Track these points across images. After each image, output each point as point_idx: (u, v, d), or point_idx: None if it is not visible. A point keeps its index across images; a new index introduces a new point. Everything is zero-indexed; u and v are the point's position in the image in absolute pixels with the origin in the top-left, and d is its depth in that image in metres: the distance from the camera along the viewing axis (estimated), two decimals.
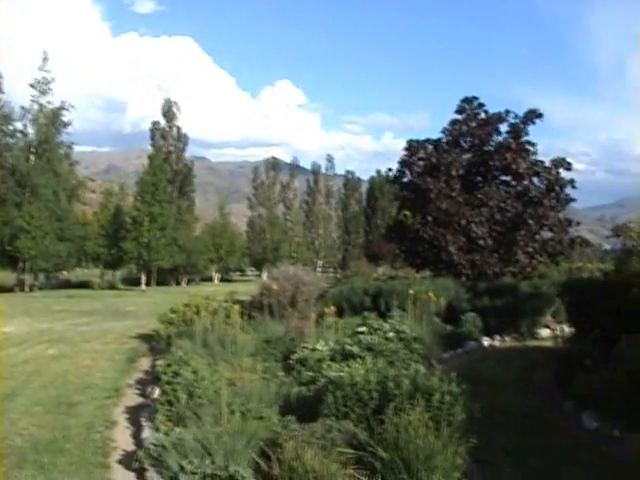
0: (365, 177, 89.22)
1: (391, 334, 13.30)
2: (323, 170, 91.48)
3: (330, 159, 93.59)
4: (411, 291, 16.24)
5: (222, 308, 14.89)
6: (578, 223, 25.54)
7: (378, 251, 56.69)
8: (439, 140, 26.76)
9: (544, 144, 28.99)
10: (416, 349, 13.00)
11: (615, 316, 10.80)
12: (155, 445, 7.39)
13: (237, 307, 14.19)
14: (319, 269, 79.20)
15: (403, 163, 26.15)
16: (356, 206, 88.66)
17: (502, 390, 11.68)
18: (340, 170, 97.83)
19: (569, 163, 25.43)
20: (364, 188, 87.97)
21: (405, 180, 26.39)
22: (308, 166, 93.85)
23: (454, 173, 24.38)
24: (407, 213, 25.90)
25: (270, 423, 7.87)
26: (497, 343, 17.36)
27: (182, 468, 6.61)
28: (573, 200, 25.16)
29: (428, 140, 26.71)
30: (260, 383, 10.19)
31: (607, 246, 17.10)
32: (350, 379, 7.83)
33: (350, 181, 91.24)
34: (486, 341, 17.11)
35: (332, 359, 11.24)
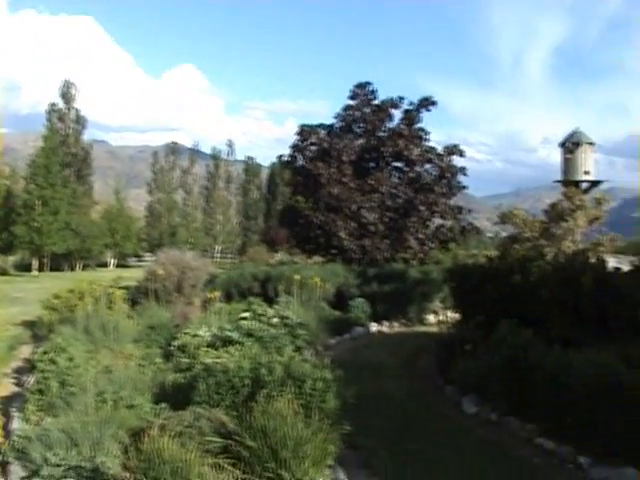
0: (267, 163, 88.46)
1: (275, 320, 13.28)
2: (224, 155, 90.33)
3: (231, 144, 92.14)
4: (297, 276, 16.23)
5: (106, 294, 14.49)
6: (469, 210, 26.21)
7: (275, 237, 56.57)
8: (332, 125, 26.83)
9: (444, 134, 29.69)
10: (300, 335, 13.01)
11: (497, 301, 11.07)
12: (21, 437, 7.09)
13: (120, 292, 13.87)
14: (217, 255, 78.66)
15: (295, 148, 26.14)
16: (256, 192, 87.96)
17: (386, 375, 11.82)
18: (242, 156, 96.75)
19: (462, 150, 26.05)
20: (265, 174, 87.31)
21: (297, 165, 26.37)
22: (209, 151, 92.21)
23: (346, 159, 24.53)
24: (299, 198, 25.90)
25: (142, 412, 7.66)
26: (385, 329, 17.59)
27: (46, 460, 6.34)
28: (465, 187, 25.79)
29: (321, 125, 26.76)
30: (136, 370, 9.97)
31: (504, 233, 17.67)
32: (223, 366, 7.70)
33: (250, 167, 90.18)
34: (374, 327, 17.32)
35: (212, 345, 11.10)
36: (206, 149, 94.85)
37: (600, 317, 9.21)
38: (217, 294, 15.60)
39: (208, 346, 11.12)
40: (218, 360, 8.45)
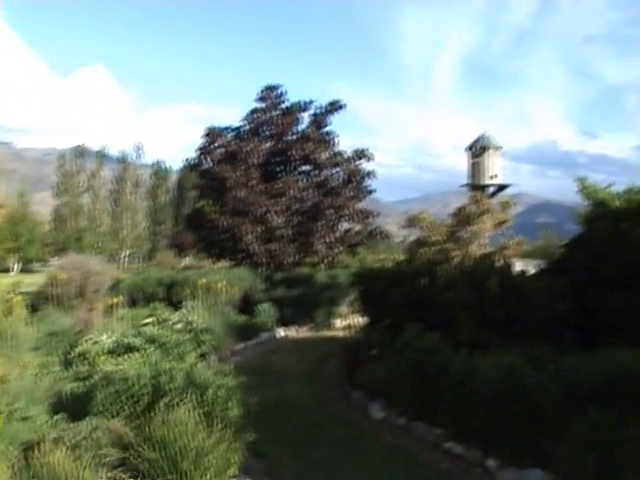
0: (177, 167, 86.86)
1: (179, 325, 12.97)
2: (132, 159, 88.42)
3: (139, 148, 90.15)
4: (202, 281, 15.88)
5: (4, 300, 13.79)
6: (377, 214, 26.27)
7: (183, 241, 55.62)
8: (240, 128, 26.51)
9: (356, 140, 29.59)
10: (205, 340, 12.79)
11: (403, 305, 11.03)
12: None
13: (19, 298, 13.24)
14: (125, 260, 77.20)
15: (202, 150, 25.68)
16: (165, 196, 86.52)
17: (292, 381, 11.66)
18: (152, 160, 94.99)
19: (370, 154, 26.06)
20: (175, 178, 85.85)
21: (204, 168, 25.92)
22: (118, 154, 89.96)
23: (253, 162, 24.26)
24: (205, 202, 25.48)
25: (36, 424, 7.22)
26: (292, 334, 17.43)
27: None
28: (373, 191, 25.88)
29: (228, 128, 26.43)
30: (33, 379, 9.45)
31: (412, 238, 17.88)
32: (123, 374, 7.35)
33: (159, 171, 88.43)
34: (281, 332, 17.14)
35: (113, 352, 10.72)
36: (115, 152, 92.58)
37: (506, 320, 9.27)
38: (120, 299, 15.17)
39: (109, 353, 10.75)
40: (118, 368, 8.10)
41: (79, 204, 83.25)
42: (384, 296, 11.72)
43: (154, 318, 13.20)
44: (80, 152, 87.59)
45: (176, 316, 13.50)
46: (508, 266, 9.76)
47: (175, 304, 16.77)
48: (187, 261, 41.87)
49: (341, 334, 15.72)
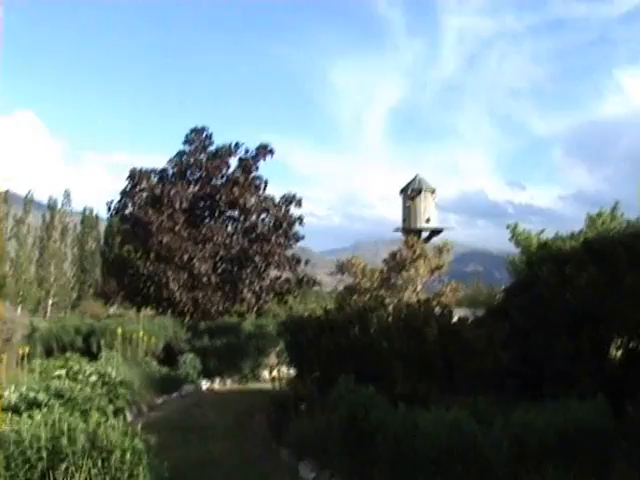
0: (105, 215, 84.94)
1: (93, 378, 11.93)
2: (61, 206, 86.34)
3: (67, 195, 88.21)
4: (119, 330, 14.79)
5: None
6: (307, 261, 25.60)
7: (108, 290, 53.94)
8: (165, 171, 25.60)
9: (285, 190, 28.61)
10: (121, 394, 11.76)
11: (334, 356, 10.27)
12: None
13: None
14: (49, 309, 74.79)
15: (125, 194, 24.60)
16: (94, 244, 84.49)
17: (215, 438, 10.67)
18: (80, 207, 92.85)
19: (300, 199, 25.47)
20: (103, 226, 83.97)
21: (127, 212, 24.81)
22: (45, 201, 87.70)
23: (178, 206, 23.29)
24: (129, 248, 24.40)
25: None
26: (217, 386, 16.46)
27: None
28: (302, 237, 25.21)
29: (153, 171, 25.44)
30: None
31: (343, 286, 17.45)
32: (18, 435, 6.35)
33: (87, 218, 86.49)
34: (205, 384, 16.14)
35: (16, 409, 9.56)
36: (43, 199, 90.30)
37: (446, 370, 8.58)
38: (32, 349, 13.97)
39: (12, 410, 9.59)
40: (14, 427, 7.06)
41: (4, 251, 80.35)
42: (313, 346, 10.95)
43: (66, 370, 12.11)
44: (5, 198, 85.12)
45: (90, 368, 12.43)
46: (448, 312, 9.10)
47: (93, 355, 15.62)
48: (112, 310, 40.50)
49: (269, 386, 14.82)
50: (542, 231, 38.94)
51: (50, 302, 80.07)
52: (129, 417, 12.05)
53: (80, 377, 11.74)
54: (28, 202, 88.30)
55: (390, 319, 9.85)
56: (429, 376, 8.53)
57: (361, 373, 9.20)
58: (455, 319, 9.56)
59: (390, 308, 11.94)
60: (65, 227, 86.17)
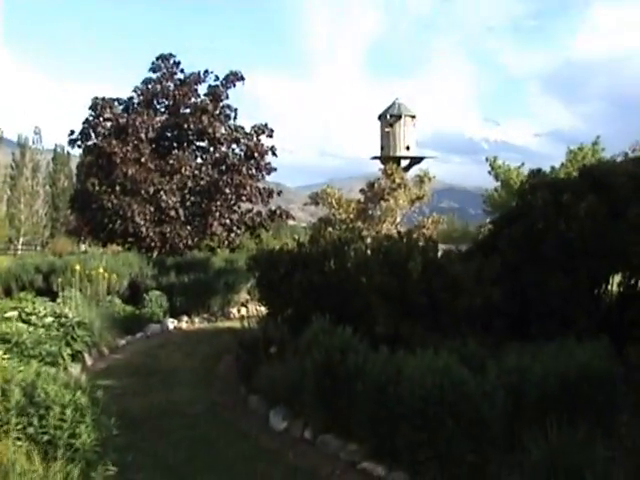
0: (77, 152, 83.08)
1: (49, 319, 11.11)
2: (31, 143, 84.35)
3: (38, 132, 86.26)
4: (77, 267, 13.87)
5: None
6: (279, 192, 24.69)
7: (78, 226, 52.69)
8: (130, 100, 24.34)
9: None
10: (80, 336, 11.01)
11: (308, 292, 9.50)
12: None
13: None
14: (20, 247, 73.87)
15: (88, 123, 23.28)
16: (66, 182, 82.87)
17: (180, 383, 9.98)
18: (51, 144, 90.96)
19: (272, 130, 24.38)
20: (76, 163, 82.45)
21: (90, 143, 23.56)
22: (15, 139, 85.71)
23: (143, 136, 22.12)
24: (94, 181, 23.30)
25: None
26: (184, 325, 15.68)
27: None
28: (275, 169, 24.20)
29: (118, 100, 24.16)
30: None
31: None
32: None
33: (59, 155, 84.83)
34: (172, 323, 15.34)
35: None
36: (13, 137, 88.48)
37: (431, 308, 7.82)
38: None
39: None
40: None
41: None
42: (286, 283, 10.16)
43: (18, 311, 11.23)
44: None
45: (45, 308, 11.58)
46: (434, 245, 8.28)
47: (54, 294, 14.71)
48: (84, 247, 39.48)
49: (239, 325, 14.13)
50: (522, 165, 38.34)
51: (21, 241, 79.16)
52: (88, 361, 11.32)
53: (34, 319, 10.90)
54: None
55: (369, 252, 9.04)
56: (412, 315, 7.79)
57: (338, 312, 8.46)
58: (443, 252, 8.75)
59: (368, 240, 11.17)
60: (36, 165, 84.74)
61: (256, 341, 9.19)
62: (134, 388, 9.64)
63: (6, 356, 7.99)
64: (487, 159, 38.92)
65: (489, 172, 38.66)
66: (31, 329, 10.02)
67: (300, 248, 10.73)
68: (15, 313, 10.97)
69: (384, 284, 7.79)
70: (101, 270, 13.97)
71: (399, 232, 8.93)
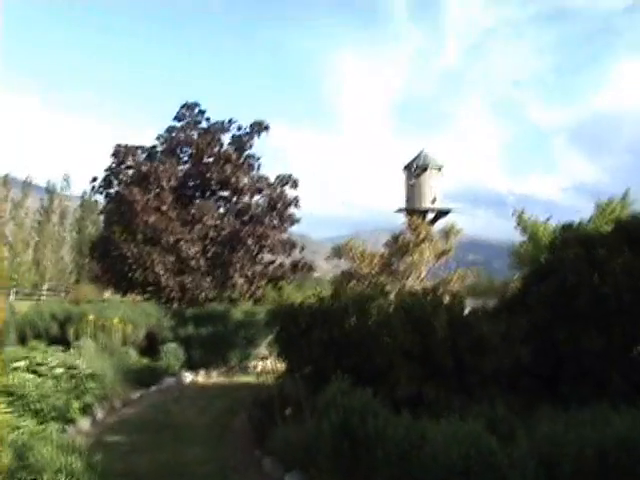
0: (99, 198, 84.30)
1: (59, 370, 10.78)
2: (60, 189, 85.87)
3: (67, 178, 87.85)
4: (91, 317, 13.58)
5: None
6: (303, 247, 24.32)
7: (100, 274, 52.46)
8: (154, 148, 24.36)
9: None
10: (90, 389, 10.69)
11: (328, 350, 9.12)
12: None
13: None
14: (45, 292, 74.39)
15: (110, 171, 23.34)
16: (93, 228, 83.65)
17: (191, 441, 9.56)
18: (79, 191, 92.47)
19: (295, 180, 24.28)
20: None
21: (111, 191, 23.55)
22: (44, 184, 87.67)
23: (165, 184, 22.01)
24: (115, 229, 23.21)
25: None
26: (201, 379, 15.31)
27: None
28: (298, 220, 23.97)
29: (141, 148, 24.19)
30: None
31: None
32: None
33: (87, 202, 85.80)
34: (188, 377, 14.99)
35: None
36: (43, 183, 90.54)
37: (457, 369, 7.41)
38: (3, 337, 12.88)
39: None
40: None
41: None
42: (305, 338, 9.80)
43: (27, 361, 10.93)
44: (4, 180, 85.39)
45: (55, 359, 11.27)
46: (460, 302, 7.89)
47: (69, 343, 14.43)
48: (107, 294, 39.24)
49: (258, 380, 13.73)
50: (548, 219, 37.82)
51: (45, 286, 79.48)
52: (99, 414, 10.96)
53: (43, 369, 10.58)
54: (27, 185, 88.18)
55: (392, 309, 8.67)
56: (436, 376, 7.38)
57: (358, 371, 8.10)
58: (470, 310, 8.34)
59: (392, 296, 10.80)
60: (64, 211, 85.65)
61: (272, 400, 8.80)
62: (143, 445, 9.26)
63: (8, 409, 7.68)
64: (513, 212, 38.41)
65: (515, 226, 38.16)
66: (39, 380, 9.70)
67: (321, 303, 10.37)
68: (24, 363, 10.68)
69: (407, 343, 7.41)
70: (116, 321, 13.66)
71: (424, 288, 8.53)
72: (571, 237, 8.39)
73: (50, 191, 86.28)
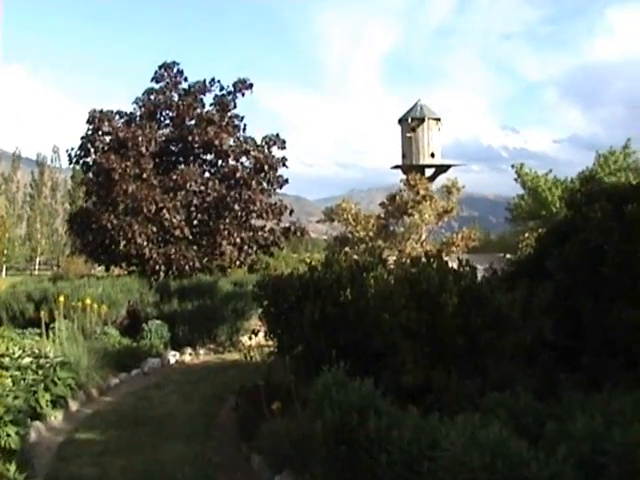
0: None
1: (26, 360, 9.88)
2: (50, 162, 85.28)
3: (56, 150, 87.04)
4: (61, 298, 12.57)
5: None
6: (292, 211, 23.25)
7: (81, 247, 51.57)
8: (132, 114, 23.20)
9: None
10: (62, 379, 9.81)
11: (321, 327, 8.18)
12: None
13: None
14: (38, 266, 74.29)
15: (85, 138, 22.13)
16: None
17: (173, 436, 8.65)
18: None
19: (283, 141, 23.18)
20: None
21: (89, 160, 22.39)
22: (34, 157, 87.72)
23: (144, 150, 20.85)
24: (93, 199, 22.19)
25: None
26: (188, 358, 14.42)
27: None
28: (287, 181, 22.89)
29: (118, 112, 23.03)
30: None
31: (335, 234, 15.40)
32: None
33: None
34: (173, 356, 14.09)
35: None
36: (32, 156, 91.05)
37: (469, 349, 6.45)
38: None
39: None
40: None
41: None
42: (295, 314, 8.85)
43: None
44: None
45: (20, 348, 10.33)
46: (472, 271, 6.89)
47: (47, 325, 13.43)
48: (100, 267, 38.34)
49: (247, 358, 12.79)
50: (549, 172, 37.01)
51: (38, 260, 79.22)
52: (73, 406, 10.09)
53: (7, 361, 9.66)
54: (17, 158, 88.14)
55: (392, 279, 7.68)
56: (446, 358, 6.42)
57: (356, 351, 7.18)
58: (481, 277, 7.32)
59: (391, 263, 9.84)
60: (55, 183, 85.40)
61: (259, 388, 7.82)
62: (118, 443, 8.35)
63: None
64: (513, 166, 38.13)
65: (515, 180, 37.77)
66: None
67: (312, 273, 9.39)
68: None
69: (412, 321, 6.42)
70: (88, 301, 12.64)
71: (427, 253, 7.55)
72: (597, 190, 7.38)
73: (40, 164, 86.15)
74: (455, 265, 7.27)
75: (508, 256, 14.29)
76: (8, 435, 7.19)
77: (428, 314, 6.39)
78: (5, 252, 74.58)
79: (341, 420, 5.45)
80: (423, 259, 7.37)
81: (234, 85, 23.46)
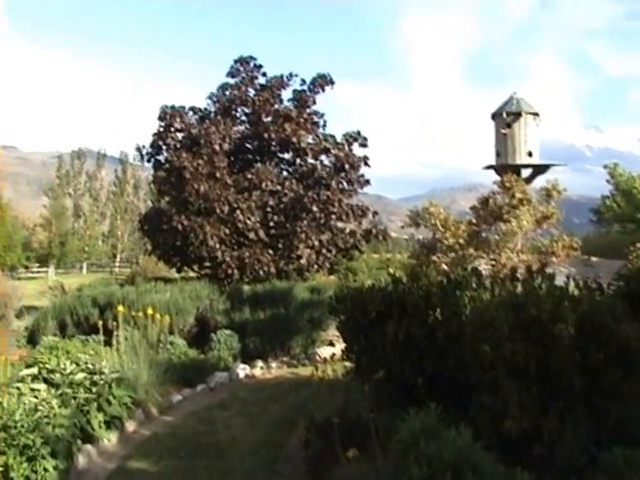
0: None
1: (79, 376, 9.18)
2: (133, 160, 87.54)
3: (140, 149, 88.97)
4: (120, 307, 11.83)
5: None
6: (375, 213, 22.28)
7: (152, 249, 51.52)
8: (206, 110, 22.65)
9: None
10: (118, 397, 9.13)
11: (405, 350, 7.18)
12: None
13: None
14: (118, 264, 76.17)
15: (158, 136, 21.67)
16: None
17: (232, 469, 7.78)
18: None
19: (365, 138, 22.28)
20: None
21: (160, 158, 21.92)
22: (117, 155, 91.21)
23: (218, 148, 20.16)
24: (167, 199, 21.74)
25: None
26: (258, 372, 13.58)
27: None
28: (368, 182, 21.92)
29: (193, 109, 22.56)
30: None
31: (420, 237, 14.40)
32: None
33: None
34: (243, 370, 13.25)
35: None
36: (116, 154, 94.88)
37: (587, 392, 5.34)
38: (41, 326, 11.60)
39: None
40: None
41: (62, 206, 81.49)
42: (377, 332, 7.87)
43: (38, 367, 9.29)
44: (79, 154, 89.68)
45: (71, 363, 9.59)
46: (591, 293, 5.76)
47: (110, 333, 12.74)
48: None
49: (321, 374, 11.79)
50: None
51: (118, 258, 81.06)
52: (129, 426, 9.37)
53: (57, 377, 8.97)
54: (101, 157, 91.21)
55: (491, 302, 6.58)
56: (559, 403, 5.34)
57: (444, 381, 6.17)
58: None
59: (485, 273, 8.74)
60: (138, 181, 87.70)
61: (332, 425, 6.83)
62: (171, 476, 7.54)
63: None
64: (606, 166, 37.36)
65: (607, 181, 36.91)
66: (40, 397, 8.01)
67: (396, 286, 8.40)
68: (33, 371, 9.08)
69: (518, 355, 5.36)
70: (150, 311, 11.90)
71: (529, 267, 6.48)
72: None
73: (123, 162, 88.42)
74: (563, 280, 6.22)
75: (594, 259, 13.04)
76: (45, 470, 6.44)
77: (539, 347, 5.31)
78: (86, 249, 76.25)
79: (430, 479, 4.46)
80: (520, 272, 6.29)
81: (313, 80, 22.67)
